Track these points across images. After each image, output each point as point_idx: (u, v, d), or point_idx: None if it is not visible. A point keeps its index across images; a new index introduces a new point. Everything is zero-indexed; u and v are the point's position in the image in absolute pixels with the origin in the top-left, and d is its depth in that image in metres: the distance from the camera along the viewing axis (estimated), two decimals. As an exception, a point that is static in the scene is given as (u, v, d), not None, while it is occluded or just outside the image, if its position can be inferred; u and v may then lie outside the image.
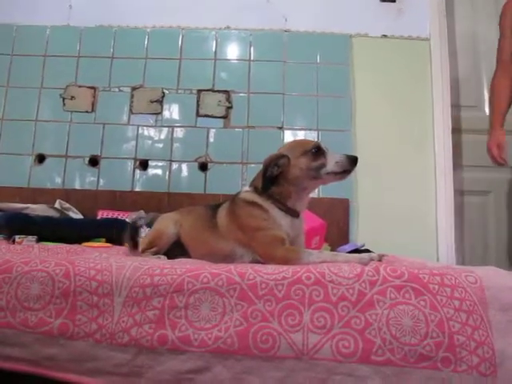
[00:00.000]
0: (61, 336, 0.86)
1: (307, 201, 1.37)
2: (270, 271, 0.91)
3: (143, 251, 1.40)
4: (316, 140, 1.33)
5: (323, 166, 1.27)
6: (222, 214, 1.36)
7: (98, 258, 1.09)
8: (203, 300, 0.88)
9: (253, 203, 1.30)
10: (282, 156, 1.30)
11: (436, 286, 0.86)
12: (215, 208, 1.41)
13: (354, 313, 0.85)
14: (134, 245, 1.49)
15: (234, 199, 1.38)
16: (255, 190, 1.34)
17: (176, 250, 1.40)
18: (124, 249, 1.61)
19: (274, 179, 1.30)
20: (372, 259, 1.13)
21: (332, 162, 1.26)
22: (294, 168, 1.28)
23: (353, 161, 1.26)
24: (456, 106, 2.74)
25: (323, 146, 1.31)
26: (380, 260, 1.17)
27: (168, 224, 1.43)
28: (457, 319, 0.83)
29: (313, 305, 0.86)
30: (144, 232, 2.11)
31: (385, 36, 2.77)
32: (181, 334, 0.85)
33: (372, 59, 2.76)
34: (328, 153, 1.29)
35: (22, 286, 0.91)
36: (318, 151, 1.28)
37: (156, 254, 1.37)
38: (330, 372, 0.81)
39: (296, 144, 1.38)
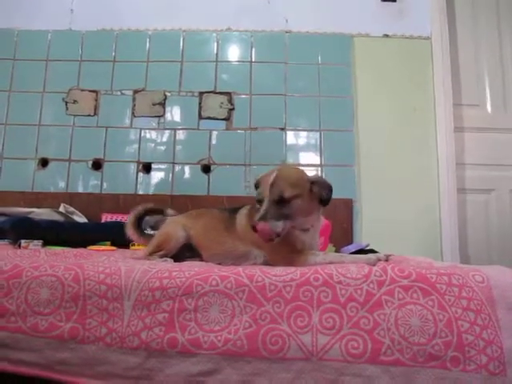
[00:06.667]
0: (71, 340, 0.87)
1: (308, 220, 1.26)
2: (278, 273, 0.92)
3: (151, 254, 1.41)
4: (263, 184, 1.25)
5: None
6: (242, 216, 1.38)
7: (106, 262, 1.09)
8: (212, 303, 0.88)
9: None
10: (258, 184, 1.27)
11: (444, 286, 0.87)
12: (234, 211, 1.43)
13: (362, 313, 0.85)
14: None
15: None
16: None
17: (183, 252, 1.42)
18: (129, 251, 1.61)
19: None
20: (379, 259, 1.13)
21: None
22: None
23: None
24: (458, 105, 2.74)
25: (261, 196, 1.20)
26: (387, 260, 1.17)
27: (177, 227, 1.45)
28: (465, 319, 0.83)
29: (321, 306, 0.86)
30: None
31: (386, 36, 2.78)
32: (190, 336, 0.85)
33: (373, 59, 2.76)
34: (263, 203, 1.18)
35: (31, 290, 0.91)
36: (259, 202, 1.21)
37: (163, 256, 1.38)
38: (339, 373, 0.82)
39: (265, 179, 1.23)
